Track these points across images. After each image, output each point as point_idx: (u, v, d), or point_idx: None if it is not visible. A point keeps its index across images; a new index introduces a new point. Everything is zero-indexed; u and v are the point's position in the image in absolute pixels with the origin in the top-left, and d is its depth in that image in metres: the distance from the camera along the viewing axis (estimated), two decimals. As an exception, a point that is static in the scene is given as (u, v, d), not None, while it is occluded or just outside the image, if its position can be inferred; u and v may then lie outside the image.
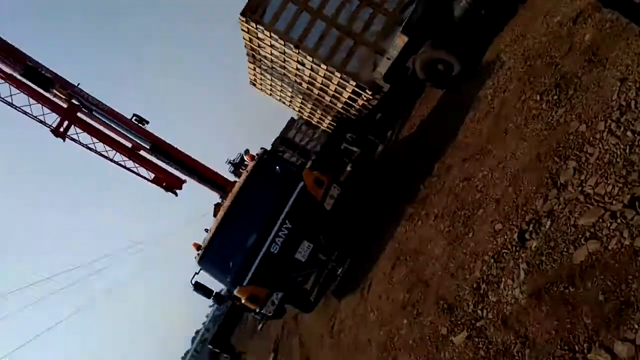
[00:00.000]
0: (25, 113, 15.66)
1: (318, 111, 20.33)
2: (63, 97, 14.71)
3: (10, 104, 15.47)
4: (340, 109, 18.17)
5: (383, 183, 12.51)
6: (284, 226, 10.40)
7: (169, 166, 16.45)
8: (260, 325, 16.72)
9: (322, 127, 22.64)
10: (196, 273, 11.32)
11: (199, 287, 11.33)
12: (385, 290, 7.94)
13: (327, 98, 17.77)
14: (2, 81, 15.03)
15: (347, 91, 15.88)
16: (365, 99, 15.65)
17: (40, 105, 15.52)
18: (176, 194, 17.16)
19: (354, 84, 14.84)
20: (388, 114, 16.64)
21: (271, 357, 12.99)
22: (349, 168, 17.30)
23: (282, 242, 10.34)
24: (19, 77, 14.48)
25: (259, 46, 16.57)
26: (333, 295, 10.62)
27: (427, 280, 6.66)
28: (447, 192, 7.84)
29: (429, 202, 8.36)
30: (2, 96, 15.26)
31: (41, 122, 15.71)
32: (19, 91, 15.26)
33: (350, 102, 16.81)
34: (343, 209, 10.96)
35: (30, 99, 15.38)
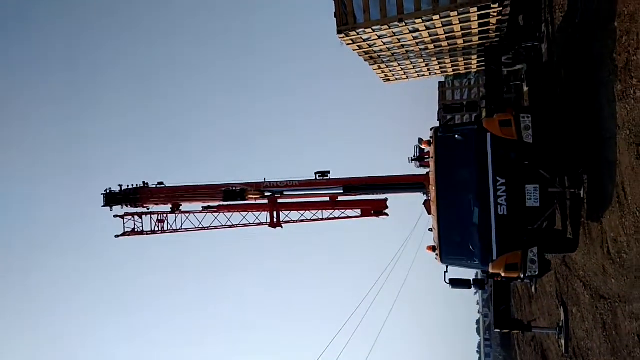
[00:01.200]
0: (244, 225, 18.26)
1: (459, 59, 19.01)
2: (257, 196, 16.70)
3: (232, 226, 18.26)
4: (479, 42, 16.68)
5: (571, 78, 10.81)
6: (498, 184, 9.64)
7: (367, 195, 17.07)
8: (534, 288, 15.56)
9: (473, 71, 21.03)
10: (445, 272, 11.19)
11: (455, 282, 11.13)
12: (644, 186, 6.62)
13: (460, 41, 16.54)
14: (217, 214, 17.94)
15: (473, 21, 14.55)
16: (495, 14, 14.07)
17: (250, 213, 18.00)
18: (387, 214, 17.56)
19: (475, 9, 13.52)
20: (529, 11, 14.65)
21: (562, 311, 11.85)
22: (525, 89, 15.49)
23: (506, 199, 9.57)
24: (219, 204, 17.12)
25: (370, 46, 16.43)
26: (590, 220, 9.30)
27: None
28: (647, 42, 6.35)
29: (635, 66, 6.87)
30: (223, 224, 18.16)
31: (259, 224, 18.10)
32: (231, 213, 18.00)
33: (484, 28, 15.31)
34: (546, 131, 9.72)
35: (242, 213, 17.96)
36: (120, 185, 17.56)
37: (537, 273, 9.47)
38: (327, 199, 17.45)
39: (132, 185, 17.69)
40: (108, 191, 17.51)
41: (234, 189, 16.59)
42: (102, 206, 17.54)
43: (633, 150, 6.97)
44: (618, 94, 7.49)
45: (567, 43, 10.91)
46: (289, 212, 18.01)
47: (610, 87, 7.75)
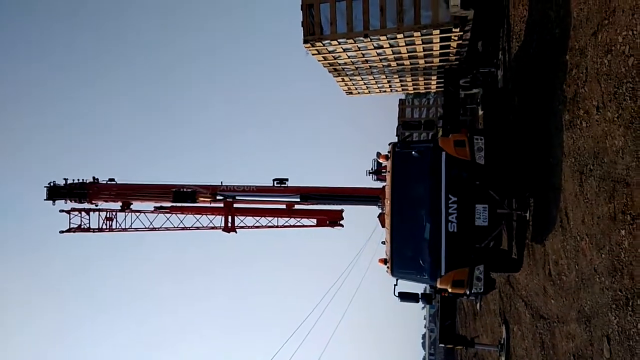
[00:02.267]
0: (197, 228, 17.88)
1: (420, 79, 19.54)
2: (209, 199, 16.40)
3: (185, 228, 17.84)
4: (439, 64, 17.19)
5: (523, 105, 11.30)
6: (450, 202, 9.88)
7: (323, 205, 17.12)
8: (479, 305, 16.06)
9: (432, 91, 21.63)
10: (395, 285, 11.34)
11: (404, 296, 11.29)
12: (585, 212, 6.97)
13: (421, 61, 16.99)
14: (169, 215, 17.48)
15: (435, 42, 15.01)
16: (456, 37, 14.59)
17: (204, 216, 17.64)
18: (342, 225, 17.68)
19: (437, 31, 13.96)
20: (488, 37, 15.24)
21: (504, 329, 12.27)
22: (480, 112, 16.06)
23: (457, 217, 9.82)
24: (172, 204, 16.69)
25: (335, 58, 16.62)
26: (534, 242, 9.70)
27: (625, 179, 5.67)
28: (595, 76, 6.72)
29: (582, 98, 7.25)
30: (176, 225, 17.71)
31: (213, 227, 17.77)
32: (184, 215, 17.58)
33: (445, 50, 15.82)
34: (497, 153, 10.09)
35: (196, 216, 17.58)
36: (66, 179, 16.80)
37: (482, 290, 9.76)
38: (284, 206, 17.39)
39: (80, 180, 16.98)
40: (52, 184, 16.72)
41: (184, 190, 16.25)
42: (45, 199, 16.74)
43: (577, 177, 7.34)
44: (566, 123, 7.88)
45: (522, 71, 11.41)
46: (244, 217, 17.82)
47: (559, 117, 8.15)
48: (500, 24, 13.73)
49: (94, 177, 17.12)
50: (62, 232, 17.47)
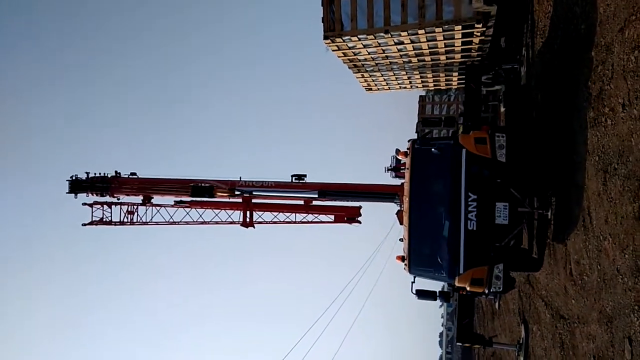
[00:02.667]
0: (216, 223, 18.08)
1: (441, 75, 19.33)
2: (227, 194, 16.56)
3: (204, 222, 18.06)
4: (461, 60, 17.01)
5: (546, 102, 11.12)
6: (470, 200, 9.80)
7: (341, 201, 17.15)
8: (497, 304, 15.89)
9: (453, 87, 21.41)
10: (412, 282, 11.32)
11: (422, 294, 11.26)
12: (608, 211, 6.84)
13: (443, 57, 16.83)
14: (189, 209, 17.71)
15: (457, 38, 14.84)
16: (478, 34, 14.40)
17: (224, 211, 17.83)
18: (360, 222, 17.67)
19: (460, 27, 13.80)
20: (511, 33, 15.01)
21: (522, 329, 12.12)
22: (502, 109, 15.85)
23: (476, 215, 9.73)
24: (191, 199, 16.92)
25: (355, 54, 16.57)
26: (555, 241, 9.55)
27: (651, 178, 5.55)
28: (621, 73, 6.58)
29: (608, 95, 7.10)
30: (195, 220, 17.95)
31: (231, 222, 17.94)
32: (203, 210, 17.79)
33: (467, 47, 15.64)
34: (519, 151, 9.96)
35: (215, 210, 17.78)
36: (87, 173, 17.16)
37: (501, 289, 9.66)
38: (302, 202, 17.46)
39: (101, 174, 17.31)
40: (74, 178, 17.08)
41: (202, 185, 16.45)
42: (67, 192, 17.11)
43: (600, 176, 7.21)
44: (590, 121, 7.74)
45: (545, 68, 11.22)
46: (262, 212, 17.95)
47: (584, 114, 8.00)
48: (524, 20, 13.52)
49: (116, 171, 17.45)
50: (84, 224, 17.86)
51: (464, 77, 18.39)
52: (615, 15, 6.90)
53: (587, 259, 7.65)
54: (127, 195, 17.73)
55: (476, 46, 15.42)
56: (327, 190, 16.34)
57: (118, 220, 17.96)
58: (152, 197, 17.81)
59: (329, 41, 15.01)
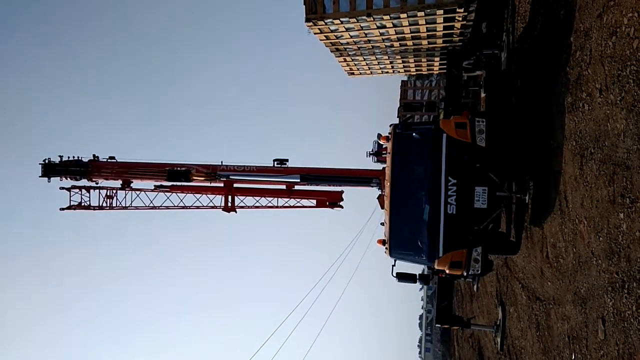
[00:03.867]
0: (197, 207, 17.94)
1: (422, 60, 19.35)
2: (203, 178, 16.38)
3: (185, 207, 17.90)
4: (442, 45, 17.02)
5: (525, 88, 11.22)
6: (449, 184, 9.89)
7: (323, 186, 17.15)
8: (475, 286, 16.20)
9: (434, 73, 21.46)
10: (393, 265, 11.43)
11: (402, 276, 11.39)
12: (584, 195, 6.98)
13: (424, 42, 16.81)
14: (169, 194, 17.51)
15: (439, 23, 14.83)
16: (460, 18, 14.42)
17: (204, 195, 17.70)
18: (341, 206, 17.73)
19: (442, 12, 13.79)
20: (492, 19, 15.04)
21: (499, 310, 12.41)
22: (482, 94, 15.97)
23: (456, 199, 9.83)
24: (172, 184, 16.71)
25: (337, 37, 16.44)
26: (532, 225, 9.74)
27: (625, 162, 5.66)
28: (599, 58, 6.66)
29: (585, 80, 7.19)
30: (176, 204, 17.77)
31: (213, 207, 17.82)
32: (184, 194, 17.61)
33: (449, 31, 15.64)
34: (498, 136, 10.06)
35: (196, 195, 17.63)
36: (61, 156, 16.73)
37: (479, 272, 9.84)
38: (284, 187, 17.41)
39: (75, 157, 16.92)
40: (47, 161, 16.65)
41: (178, 169, 16.25)
42: (40, 176, 16.71)
43: (577, 160, 7.33)
44: (568, 106, 7.84)
45: (526, 54, 11.30)
46: (244, 197, 17.86)
47: (562, 99, 8.10)
48: (505, 5, 13.55)
49: (94, 155, 17.11)
50: (62, 209, 17.53)
51: (445, 62, 18.44)
52: (594, 1, 6.96)
53: (563, 242, 7.83)
54: (106, 179, 17.43)
55: (458, 31, 15.44)
56: (309, 174, 16.32)
57: (97, 204, 17.68)
58: (132, 182, 17.55)
59: (310, 24, 14.87)
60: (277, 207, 18.12)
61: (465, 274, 9.97)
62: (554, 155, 8.43)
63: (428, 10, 13.64)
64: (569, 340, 7.48)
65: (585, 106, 7.16)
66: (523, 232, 10.47)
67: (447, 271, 10.07)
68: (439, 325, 12.89)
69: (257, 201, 18.02)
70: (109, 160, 17.04)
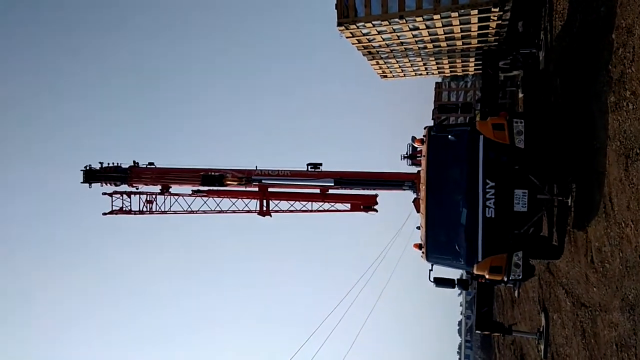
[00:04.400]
0: (233, 212, 18.23)
1: (457, 61, 19.07)
2: (236, 182, 16.60)
3: (221, 211, 18.23)
4: (477, 45, 16.75)
5: (565, 87, 10.90)
6: (487, 187, 9.69)
7: (357, 190, 17.10)
8: (517, 292, 15.76)
9: (470, 73, 21.10)
10: (430, 270, 11.27)
11: (440, 281, 11.22)
12: (630, 197, 6.72)
13: (459, 43, 16.59)
14: (207, 198, 17.87)
15: (473, 23, 14.61)
16: (495, 17, 14.15)
17: (240, 200, 17.96)
18: (376, 210, 17.63)
19: (476, 12, 13.58)
20: (529, 17, 14.70)
21: (542, 317, 12.02)
22: (520, 94, 15.60)
23: (494, 202, 9.62)
24: (209, 188, 17.03)
25: (369, 40, 16.41)
26: (576, 229, 9.43)
27: (675, 164, 5.42)
28: (643, 55, 6.41)
29: (629, 78, 6.94)
30: (212, 209, 18.12)
31: (248, 211, 18.07)
32: (220, 199, 17.93)
33: (484, 31, 15.38)
34: (538, 137, 9.79)
35: (232, 199, 17.92)
36: (101, 163, 17.34)
37: (520, 277, 9.58)
38: (318, 191, 17.46)
39: (115, 163, 17.49)
40: (88, 168, 17.27)
41: (212, 174, 16.55)
42: (81, 182, 17.35)
43: (622, 162, 7.06)
44: (611, 105, 7.57)
45: (564, 52, 10.98)
46: (279, 201, 18.02)
47: (604, 98, 7.83)
48: (542, 3, 13.22)
49: (134, 161, 17.64)
50: (104, 214, 18.14)
51: (481, 62, 18.12)
52: (638, -4, 6.71)
53: (609, 246, 7.54)
54: (146, 184, 17.93)
55: (493, 31, 15.16)
56: (343, 178, 16.30)
57: (137, 209, 18.20)
58: (170, 187, 17.99)
59: (342, 28, 14.92)
60: (311, 211, 18.18)
61: (505, 279, 9.72)
62: (597, 156, 8.15)
63: (462, 11, 13.47)
64: (617, 349, 7.19)
65: (629, 105, 6.91)
66: (566, 236, 10.14)
67: (487, 276, 9.85)
68: (479, 332, 12.61)
69: (292, 205, 18.14)
70: (148, 166, 17.53)
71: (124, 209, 18.14)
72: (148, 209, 18.28)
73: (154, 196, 18.19)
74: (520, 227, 9.49)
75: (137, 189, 18.12)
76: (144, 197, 18.26)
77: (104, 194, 17.96)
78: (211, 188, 17.36)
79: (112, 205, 18.04)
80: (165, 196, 18.10)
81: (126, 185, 17.70)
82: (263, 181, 16.71)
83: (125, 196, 18.11)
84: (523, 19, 15.47)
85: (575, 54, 10.02)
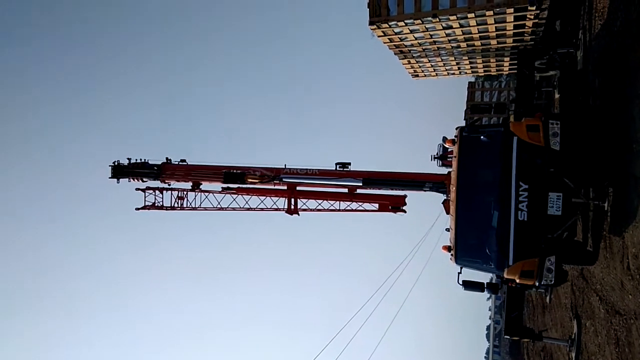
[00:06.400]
0: (262, 209, 18.41)
1: (491, 60, 18.70)
2: (257, 180, 16.74)
3: (250, 209, 18.43)
4: (513, 44, 16.41)
5: (604, 88, 10.57)
6: (520, 189, 9.49)
7: (386, 190, 16.99)
8: (548, 297, 15.37)
9: (504, 73, 20.67)
10: (459, 273, 11.12)
11: (468, 285, 11.06)
12: (673, 203, 6.46)
13: (493, 42, 16.28)
14: (236, 195, 18.12)
15: (509, 22, 14.32)
16: (532, 16, 13.82)
17: (268, 198, 18.13)
18: (405, 211, 17.48)
19: (512, 10, 13.30)
20: (567, 16, 14.32)
21: (575, 324, 11.68)
22: (557, 95, 15.20)
23: (527, 205, 9.41)
24: (238, 186, 17.25)
25: (401, 39, 16.28)
26: (611, 234, 9.13)
27: None
28: (689, 55, 6.16)
29: (672, 79, 6.67)
30: (241, 206, 18.35)
31: (276, 209, 18.22)
32: (249, 196, 18.15)
33: (520, 30, 15.05)
34: (574, 139, 9.53)
35: (260, 197, 18.10)
36: (129, 159, 17.81)
37: (553, 282, 9.35)
38: (346, 190, 17.44)
39: (142, 160, 17.96)
40: (116, 163, 17.75)
41: (234, 171, 16.76)
42: (109, 177, 17.85)
43: (664, 166, 6.81)
44: (653, 108, 7.31)
45: (603, 52, 10.65)
46: (307, 200, 18.09)
47: (646, 100, 7.56)
48: (581, 1, 12.86)
49: (166, 158, 18.04)
50: (137, 209, 18.62)
51: (516, 62, 17.72)
52: (684, -7, 6.45)
53: (647, 252, 7.29)
54: (177, 181, 18.30)
55: (529, 30, 14.81)
56: (372, 178, 16.22)
57: (169, 205, 18.60)
58: (201, 184, 18.31)
59: (374, 27, 14.85)
60: (339, 210, 18.17)
61: (537, 284, 9.50)
62: (636, 160, 7.88)
63: (497, 10, 13.21)
64: (654, 360, 6.95)
65: (673, 107, 6.65)
66: (601, 242, 9.84)
67: (518, 281, 9.65)
68: (508, 337, 12.37)
69: (319, 204, 18.18)
70: (180, 163, 17.89)
71: (156, 204, 18.57)
72: (179, 205, 18.67)
73: (184, 192, 18.55)
74: (553, 231, 9.27)
75: (169, 185, 18.51)
76: (175, 193, 18.65)
77: (137, 189, 18.43)
78: (240, 186, 17.60)
79: (144, 200, 18.49)
80: (196, 193, 18.43)
81: (157, 182, 18.11)
82: (283, 179, 16.82)
83: (157, 192, 18.54)
84: (561, 17, 15.07)
85: (615, 54, 9.70)
